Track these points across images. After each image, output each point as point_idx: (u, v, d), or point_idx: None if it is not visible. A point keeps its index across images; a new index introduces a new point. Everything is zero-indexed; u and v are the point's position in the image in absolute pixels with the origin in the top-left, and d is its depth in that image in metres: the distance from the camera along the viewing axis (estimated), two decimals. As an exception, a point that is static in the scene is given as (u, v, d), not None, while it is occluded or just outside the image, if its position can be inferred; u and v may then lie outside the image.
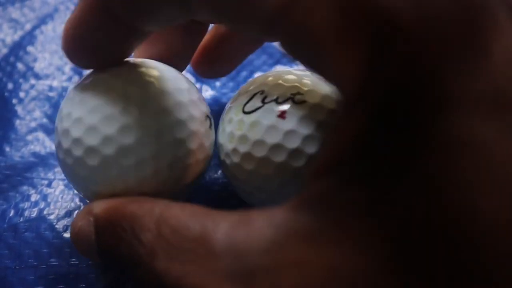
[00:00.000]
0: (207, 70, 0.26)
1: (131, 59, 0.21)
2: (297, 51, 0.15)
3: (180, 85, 0.20)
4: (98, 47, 0.18)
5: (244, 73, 0.31)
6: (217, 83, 0.31)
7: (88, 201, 0.21)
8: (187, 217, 0.15)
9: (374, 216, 0.12)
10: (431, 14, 0.12)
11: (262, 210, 0.14)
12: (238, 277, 0.13)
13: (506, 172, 0.11)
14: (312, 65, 0.15)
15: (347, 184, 0.13)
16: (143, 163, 0.18)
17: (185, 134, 0.19)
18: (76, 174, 0.19)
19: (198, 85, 0.31)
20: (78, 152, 0.19)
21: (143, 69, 0.20)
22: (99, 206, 0.18)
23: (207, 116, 0.21)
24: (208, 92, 0.31)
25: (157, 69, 0.20)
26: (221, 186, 0.25)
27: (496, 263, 0.11)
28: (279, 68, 0.33)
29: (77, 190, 0.21)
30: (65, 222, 0.24)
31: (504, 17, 0.13)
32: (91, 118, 0.18)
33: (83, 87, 0.19)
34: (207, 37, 0.24)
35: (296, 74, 0.22)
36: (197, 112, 0.20)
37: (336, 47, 0.13)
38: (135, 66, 0.20)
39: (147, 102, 0.19)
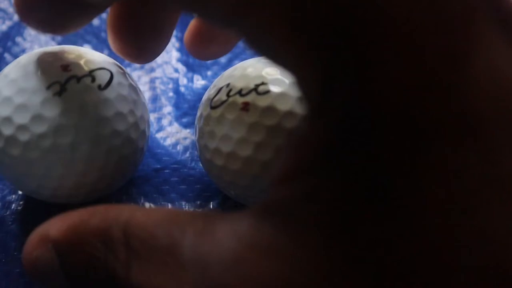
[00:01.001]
0: (202, 51, 0.24)
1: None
2: (260, 48, 0.14)
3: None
4: (45, 19, 0.19)
5: (236, 62, 0.31)
6: (209, 72, 0.31)
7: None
8: (153, 225, 0.15)
9: (337, 234, 0.12)
10: (406, 24, 0.11)
11: (226, 217, 0.14)
12: None
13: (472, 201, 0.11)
14: (276, 62, 0.14)
15: (309, 196, 0.12)
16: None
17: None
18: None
19: (189, 75, 0.30)
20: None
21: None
22: (55, 229, 0.16)
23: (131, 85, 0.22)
24: (199, 82, 0.30)
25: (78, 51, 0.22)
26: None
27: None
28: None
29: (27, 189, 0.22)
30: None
31: (491, 28, 0.12)
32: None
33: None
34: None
35: (264, 62, 0.21)
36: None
37: (296, 48, 0.12)
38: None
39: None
